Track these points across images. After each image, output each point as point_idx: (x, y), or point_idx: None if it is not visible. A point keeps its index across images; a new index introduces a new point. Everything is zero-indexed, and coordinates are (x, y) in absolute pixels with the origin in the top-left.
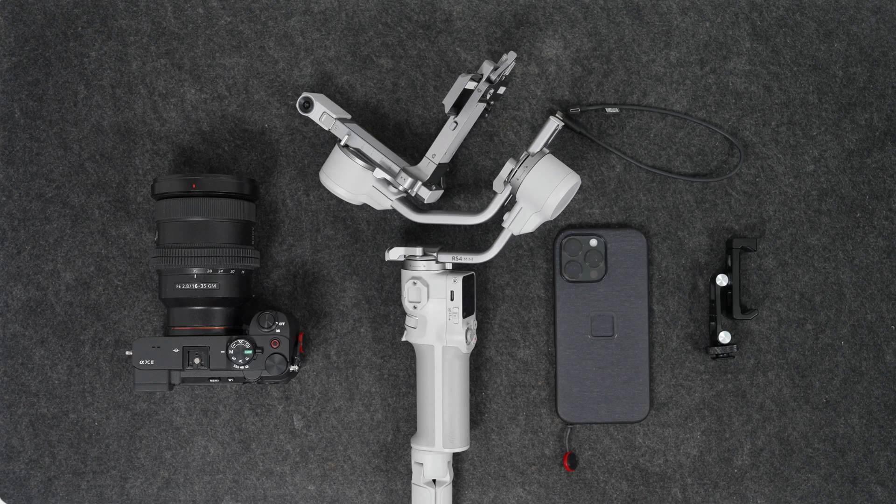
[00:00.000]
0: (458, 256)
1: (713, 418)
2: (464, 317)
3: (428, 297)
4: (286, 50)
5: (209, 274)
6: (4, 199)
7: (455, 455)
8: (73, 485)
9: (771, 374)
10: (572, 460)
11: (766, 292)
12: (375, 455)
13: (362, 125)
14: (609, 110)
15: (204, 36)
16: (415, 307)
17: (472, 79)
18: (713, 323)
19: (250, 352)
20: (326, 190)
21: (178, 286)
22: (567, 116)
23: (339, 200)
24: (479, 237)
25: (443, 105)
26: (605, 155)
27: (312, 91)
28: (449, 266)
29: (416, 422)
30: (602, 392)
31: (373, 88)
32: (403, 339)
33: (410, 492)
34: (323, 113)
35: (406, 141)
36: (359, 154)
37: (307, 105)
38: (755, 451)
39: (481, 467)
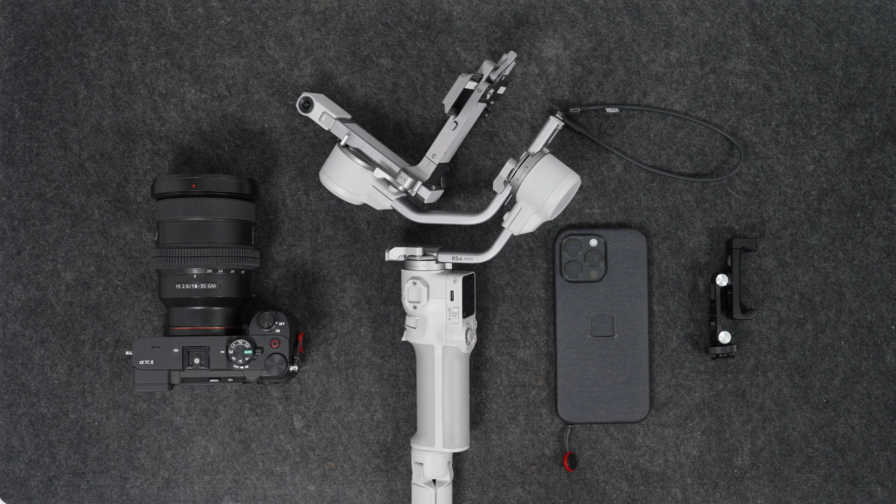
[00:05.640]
0: (458, 256)
1: (713, 418)
2: (464, 317)
3: (428, 297)
4: (286, 50)
5: (209, 274)
6: (4, 199)
7: (455, 455)
8: (73, 485)
9: (771, 374)
10: (572, 460)
11: (766, 292)
12: (375, 455)
13: (362, 125)
14: (609, 110)
15: (204, 36)
16: (415, 307)
17: (472, 79)
18: (713, 323)
19: (250, 352)
20: (326, 190)
21: (178, 286)
22: (567, 116)
23: (339, 200)
24: (479, 237)
25: (443, 105)
26: (605, 155)
27: (312, 91)
28: (449, 266)
29: (416, 422)
30: (602, 392)
31: (373, 88)
32: (403, 339)
33: (410, 492)
34: (323, 113)
35: (406, 141)
36: (359, 154)
37: (307, 105)
38: (755, 451)
39: (481, 467)
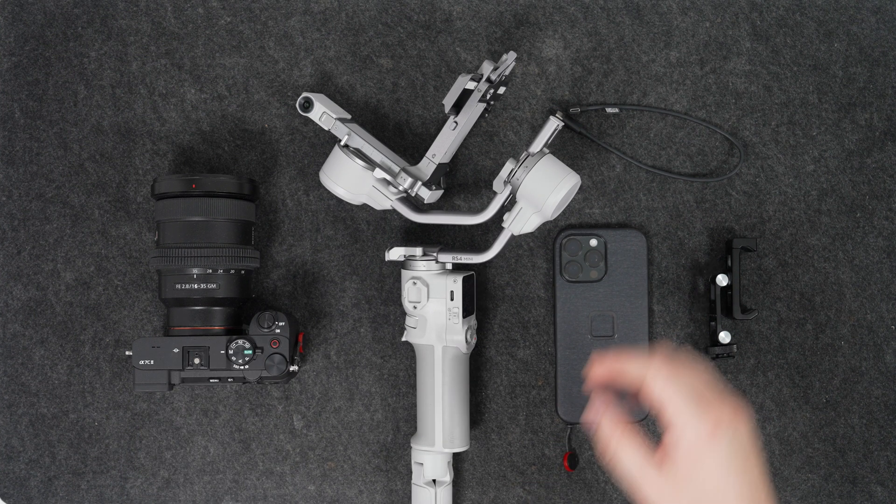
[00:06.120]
0: (458, 256)
1: None
2: (464, 317)
3: (428, 297)
4: (286, 50)
5: (209, 274)
6: (4, 199)
7: (455, 455)
8: (73, 485)
9: (771, 374)
10: (572, 460)
11: (766, 292)
12: (375, 455)
13: (362, 125)
14: (609, 110)
15: (204, 36)
16: (415, 307)
17: (472, 79)
18: (713, 323)
19: (250, 352)
20: (326, 190)
21: (178, 286)
22: (567, 116)
23: (339, 200)
24: (479, 237)
25: (443, 105)
26: (605, 155)
27: (312, 91)
28: (449, 266)
29: (416, 422)
30: None
31: (373, 88)
32: (403, 339)
33: (410, 492)
34: (323, 113)
35: (406, 141)
36: (359, 154)
37: (307, 105)
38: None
39: (481, 467)
